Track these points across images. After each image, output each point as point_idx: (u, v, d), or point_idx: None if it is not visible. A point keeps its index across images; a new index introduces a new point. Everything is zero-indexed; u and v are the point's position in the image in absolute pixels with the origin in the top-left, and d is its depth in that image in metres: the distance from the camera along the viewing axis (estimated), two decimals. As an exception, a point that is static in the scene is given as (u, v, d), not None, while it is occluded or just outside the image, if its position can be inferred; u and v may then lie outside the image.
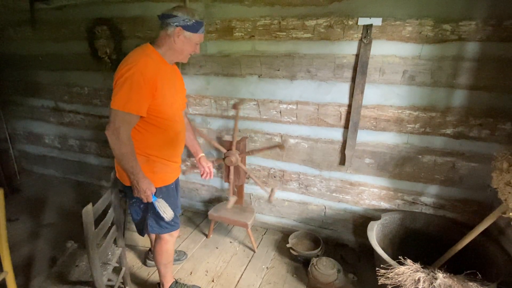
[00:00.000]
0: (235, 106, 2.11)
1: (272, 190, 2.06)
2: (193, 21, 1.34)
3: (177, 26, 1.32)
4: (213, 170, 1.87)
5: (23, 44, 2.88)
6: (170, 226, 1.58)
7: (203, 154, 1.83)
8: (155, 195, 1.43)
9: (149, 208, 1.51)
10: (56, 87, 2.93)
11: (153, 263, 2.07)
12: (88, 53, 2.58)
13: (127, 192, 1.53)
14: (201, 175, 1.83)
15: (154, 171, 1.45)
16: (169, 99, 1.40)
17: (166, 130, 1.43)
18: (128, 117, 1.26)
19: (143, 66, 1.26)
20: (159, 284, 1.79)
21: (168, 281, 1.76)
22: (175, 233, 1.66)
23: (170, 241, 1.65)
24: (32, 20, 2.70)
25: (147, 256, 2.10)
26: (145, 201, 1.41)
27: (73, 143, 3.14)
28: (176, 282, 1.79)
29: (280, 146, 1.97)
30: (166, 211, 1.44)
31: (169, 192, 1.54)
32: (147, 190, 1.36)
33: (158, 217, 1.49)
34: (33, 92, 3.09)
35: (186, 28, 1.33)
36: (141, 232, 1.67)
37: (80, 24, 2.52)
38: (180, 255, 2.14)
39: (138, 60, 1.27)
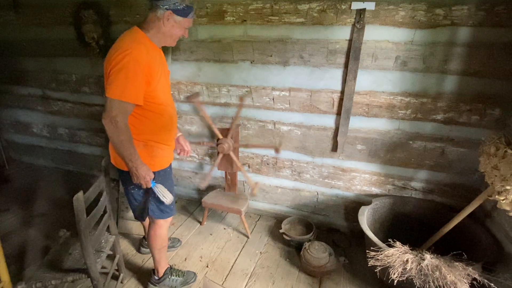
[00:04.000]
0: (241, 99, 2.11)
1: (256, 184, 2.08)
2: (183, 5, 1.34)
3: (167, 9, 1.31)
4: (191, 150, 1.89)
5: (6, 29, 2.76)
6: (170, 210, 1.62)
7: (181, 134, 1.83)
8: (153, 180, 1.44)
9: (150, 193, 1.53)
10: (43, 75, 2.84)
11: (147, 250, 2.08)
12: (74, 39, 2.49)
13: (123, 178, 1.54)
14: (178, 153, 1.84)
15: (153, 155, 1.47)
16: (162, 84, 1.41)
17: (161, 114, 1.44)
18: (125, 106, 1.26)
19: (138, 54, 1.25)
20: (154, 270, 1.80)
21: (162, 267, 1.78)
22: (170, 219, 1.68)
23: (164, 226, 1.67)
24: (15, 4, 2.58)
25: (141, 243, 2.11)
26: (144, 187, 1.42)
27: (62, 132, 3.08)
28: (170, 268, 1.81)
29: (276, 148, 1.97)
30: (165, 195, 1.47)
31: (166, 175, 1.57)
32: (146, 176, 1.38)
33: (159, 201, 1.51)
34: (19, 80, 2.99)
35: (176, 12, 1.33)
36: (141, 217, 1.69)
37: (65, 8, 2.42)
38: (174, 242, 2.16)
39: (132, 47, 1.25)
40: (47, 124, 3.12)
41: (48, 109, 3.02)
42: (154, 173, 1.45)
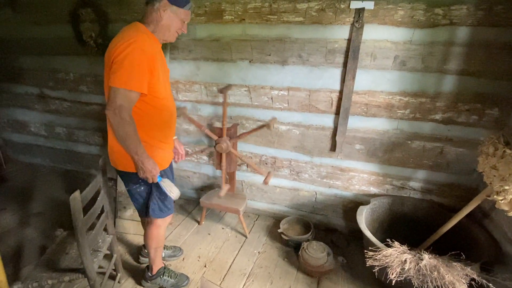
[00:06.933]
0: (222, 91, 2.07)
1: (268, 173, 2.04)
2: None
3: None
4: (185, 154, 1.87)
5: (4, 27, 2.74)
6: (168, 210, 1.60)
7: (176, 137, 1.80)
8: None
9: (153, 191, 1.52)
10: (40, 73, 2.83)
11: (146, 259, 1.98)
12: (72, 37, 2.48)
13: (126, 178, 1.52)
14: (174, 159, 1.77)
15: (152, 155, 1.42)
16: (163, 78, 1.39)
17: (162, 110, 1.42)
18: (130, 95, 1.23)
19: (142, 43, 1.24)
20: (148, 266, 1.79)
21: (157, 265, 1.77)
22: (168, 218, 1.67)
23: (162, 226, 1.66)
24: (12, 2, 2.57)
25: (140, 252, 2.02)
26: (150, 181, 1.39)
27: (60, 131, 3.06)
28: (164, 267, 1.80)
29: (267, 125, 1.94)
30: (172, 190, 1.44)
31: (167, 176, 1.55)
32: (152, 170, 1.35)
33: (161, 199, 1.50)
34: (16, 79, 2.97)
35: (172, 1, 1.33)
36: (145, 215, 1.65)
37: (63, 6, 2.40)
38: (176, 251, 2.07)
39: (136, 36, 1.25)
40: (45, 123, 3.10)
41: (46, 108, 3.00)
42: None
